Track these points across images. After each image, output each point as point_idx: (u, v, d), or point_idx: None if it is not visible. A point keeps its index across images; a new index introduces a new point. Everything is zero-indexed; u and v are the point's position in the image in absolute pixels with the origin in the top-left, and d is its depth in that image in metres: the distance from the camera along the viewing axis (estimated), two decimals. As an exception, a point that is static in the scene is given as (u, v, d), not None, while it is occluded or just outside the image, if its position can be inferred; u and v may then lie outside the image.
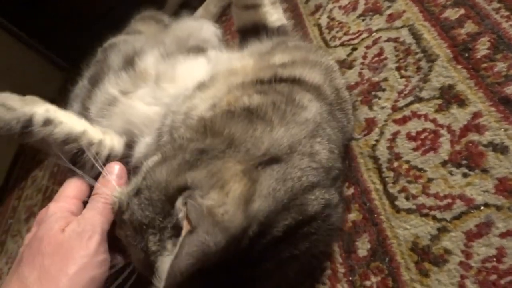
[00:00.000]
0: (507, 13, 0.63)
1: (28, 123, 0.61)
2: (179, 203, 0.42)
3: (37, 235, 0.54)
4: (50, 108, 0.65)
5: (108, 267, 0.50)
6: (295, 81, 0.59)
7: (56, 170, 1.56)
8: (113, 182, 0.55)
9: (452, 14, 0.69)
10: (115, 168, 0.58)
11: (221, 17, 1.31)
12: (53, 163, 1.63)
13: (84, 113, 0.79)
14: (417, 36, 0.71)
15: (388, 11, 0.79)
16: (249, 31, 0.78)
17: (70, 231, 0.50)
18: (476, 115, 0.57)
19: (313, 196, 0.46)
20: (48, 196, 1.48)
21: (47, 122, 0.63)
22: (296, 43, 0.75)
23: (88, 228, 0.50)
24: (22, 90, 2.09)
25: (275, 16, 0.79)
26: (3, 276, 1.37)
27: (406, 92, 0.66)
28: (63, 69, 2.24)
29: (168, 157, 0.49)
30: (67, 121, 0.64)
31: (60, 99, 2.03)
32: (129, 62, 0.80)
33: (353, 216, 0.60)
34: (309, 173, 0.47)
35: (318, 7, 0.96)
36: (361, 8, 0.85)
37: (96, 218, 0.52)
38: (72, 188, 0.61)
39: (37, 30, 2.15)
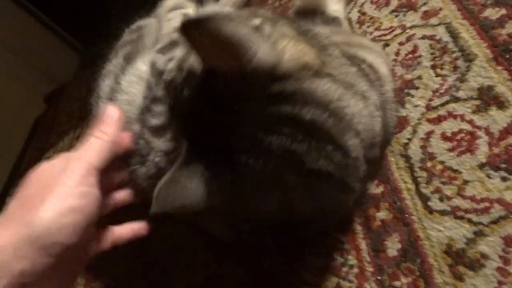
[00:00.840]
0: (552, 15, 0.61)
1: None
2: None
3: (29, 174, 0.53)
4: None
5: (95, 202, 0.49)
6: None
7: (70, 153, 1.55)
8: (114, 127, 0.55)
9: (492, 13, 0.67)
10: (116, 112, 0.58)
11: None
12: (69, 145, 1.63)
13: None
14: (454, 35, 0.69)
15: (424, 8, 0.77)
16: (305, 15, 0.77)
17: (57, 164, 0.50)
18: (517, 116, 0.55)
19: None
20: (61, 178, 1.47)
21: None
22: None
23: (74, 160, 0.49)
24: (38, 70, 2.09)
25: (336, 6, 0.80)
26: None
27: (441, 91, 0.65)
28: (78, 51, 2.24)
29: None
30: None
31: (76, 82, 2.03)
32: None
33: (382, 214, 0.59)
34: None
35: (348, 1, 0.94)
36: (394, 3, 0.84)
37: (86, 153, 0.51)
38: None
39: (54, 11, 2.15)
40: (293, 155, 0.44)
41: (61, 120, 1.88)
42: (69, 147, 1.62)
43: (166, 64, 0.72)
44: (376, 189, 0.62)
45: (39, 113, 2.19)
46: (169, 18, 0.84)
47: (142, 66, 0.79)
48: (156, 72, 0.72)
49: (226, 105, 0.46)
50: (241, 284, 0.67)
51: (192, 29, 0.42)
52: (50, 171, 0.49)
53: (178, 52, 0.73)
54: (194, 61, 0.52)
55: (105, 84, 0.86)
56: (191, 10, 0.85)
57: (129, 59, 0.85)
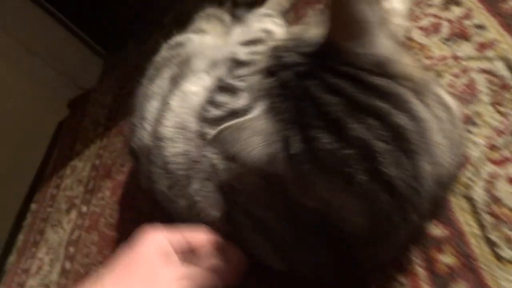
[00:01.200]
0: None
1: None
2: None
3: (130, 254, 0.54)
4: None
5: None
6: None
7: (98, 163, 1.56)
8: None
9: (557, 51, 0.66)
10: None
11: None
12: (95, 154, 1.64)
13: (163, 108, 0.80)
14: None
15: (477, 38, 0.76)
16: None
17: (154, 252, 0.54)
18: None
19: None
20: (90, 189, 1.48)
21: None
22: None
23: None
24: (62, 75, 2.10)
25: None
26: (44, 266, 1.38)
27: (503, 130, 0.64)
28: (102, 56, 2.24)
29: None
30: None
31: (100, 87, 2.03)
32: (214, 66, 0.82)
33: (447, 259, 0.58)
34: None
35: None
36: (444, 31, 0.82)
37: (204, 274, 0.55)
38: (197, 235, 0.62)
39: (78, 16, 2.15)
40: (370, 150, 0.45)
41: (86, 126, 1.89)
42: (96, 156, 1.62)
43: (248, 56, 0.76)
44: (436, 229, 0.61)
45: (61, 118, 2.20)
46: (260, 20, 0.88)
47: (192, 87, 0.79)
48: (233, 62, 0.76)
49: (322, 80, 0.48)
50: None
51: None
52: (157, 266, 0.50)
53: (263, 48, 0.75)
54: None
55: (151, 106, 0.86)
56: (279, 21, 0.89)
57: (176, 82, 0.85)
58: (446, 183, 0.54)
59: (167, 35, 1.90)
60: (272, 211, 0.62)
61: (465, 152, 0.62)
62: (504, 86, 0.68)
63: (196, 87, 0.79)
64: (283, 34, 0.85)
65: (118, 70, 2.07)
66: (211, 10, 1.30)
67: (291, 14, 1.26)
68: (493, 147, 0.63)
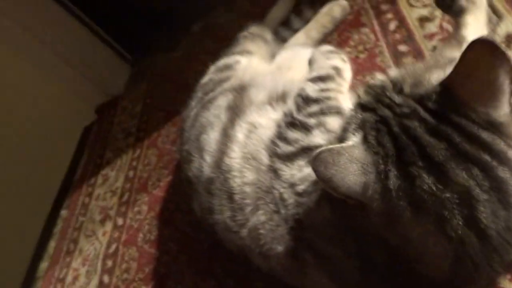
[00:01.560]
0: None
1: None
2: None
3: None
4: None
5: None
6: None
7: (132, 175, 1.58)
8: None
9: None
10: None
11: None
12: (128, 165, 1.65)
13: (225, 139, 0.81)
14: None
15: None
16: None
17: None
18: None
19: None
20: (125, 202, 1.50)
21: None
22: None
23: None
24: (90, 81, 2.11)
25: None
26: (80, 277, 1.40)
27: None
28: (130, 62, 2.25)
29: None
30: None
31: (128, 94, 2.04)
32: (279, 100, 0.83)
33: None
34: None
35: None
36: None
37: None
38: None
39: (106, 22, 2.16)
40: (471, 197, 0.47)
41: (116, 135, 1.91)
42: (129, 167, 1.64)
43: (317, 93, 0.77)
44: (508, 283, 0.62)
45: (88, 123, 2.21)
46: (328, 57, 0.89)
47: (259, 120, 0.81)
48: (302, 98, 0.77)
49: (427, 123, 0.51)
50: None
51: (483, 50, 0.47)
52: None
53: (332, 85, 0.78)
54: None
55: (209, 137, 0.87)
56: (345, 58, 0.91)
57: (235, 112, 0.86)
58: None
59: (196, 44, 1.92)
60: (340, 248, 0.63)
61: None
62: None
63: (264, 119, 0.80)
64: (349, 70, 0.86)
65: (145, 77, 2.08)
66: (254, 29, 1.31)
67: (334, 36, 1.27)
68: None
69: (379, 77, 0.60)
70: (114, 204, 1.55)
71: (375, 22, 1.20)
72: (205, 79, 1.15)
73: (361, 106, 0.58)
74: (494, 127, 0.48)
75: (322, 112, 0.73)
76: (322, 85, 0.79)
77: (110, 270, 1.32)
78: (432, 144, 0.49)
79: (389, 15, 1.18)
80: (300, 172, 0.69)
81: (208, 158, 0.84)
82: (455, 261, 0.50)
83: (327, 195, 0.60)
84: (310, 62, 0.93)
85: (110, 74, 2.18)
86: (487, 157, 0.48)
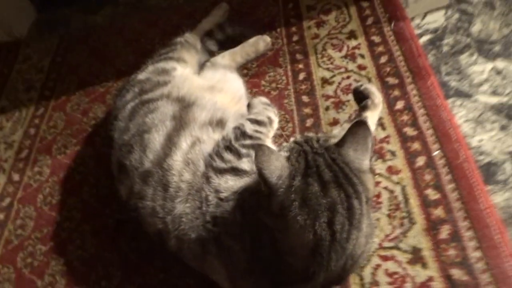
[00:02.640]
0: (463, 213, 1.01)
1: None
2: None
3: None
4: None
5: None
6: None
7: (33, 133, 1.62)
8: None
9: (431, 194, 1.05)
10: None
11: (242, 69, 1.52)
12: (29, 121, 1.67)
13: (169, 144, 1.03)
14: (406, 198, 1.06)
15: (389, 163, 1.13)
16: None
17: None
18: (430, 278, 0.93)
19: None
20: (23, 158, 1.55)
21: None
22: None
23: None
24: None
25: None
26: None
27: (390, 237, 1.01)
28: (36, 6, 2.17)
29: None
30: None
31: (32, 44, 2.00)
32: (218, 124, 1.08)
33: (340, 313, 0.93)
34: None
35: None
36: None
37: None
38: None
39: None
40: (334, 208, 0.76)
41: (16, 84, 1.88)
42: (29, 124, 1.67)
43: (253, 132, 1.05)
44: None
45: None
46: (266, 108, 1.19)
47: (202, 136, 1.05)
48: (240, 132, 1.03)
49: (325, 160, 0.80)
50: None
51: (361, 126, 0.81)
52: None
53: (264, 130, 1.08)
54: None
55: (154, 138, 1.06)
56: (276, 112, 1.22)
57: (180, 125, 1.07)
58: (359, 258, 0.88)
59: (121, 19, 1.95)
60: (238, 242, 0.88)
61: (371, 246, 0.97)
62: (398, 207, 1.05)
63: (205, 137, 1.04)
64: (277, 122, 1.15)
65: (56, 32, 2.04)
66: (190, 38, 1.50)
67: (254, 66, 1.52)
68: (382, 247, 1.00)
69: (310, 134, 0.92)
70: (9, 158, 1.58)
71: (289, 67, 1.47)
72: (142, 75, 1.30)
73: (294, 141, 0.87)
74: (360, 172, 0.79)
75: (252, 147, 0.99)
76: (257, 127, 1.06)
77: (1, 223, 1.38)
78: (326, 171, 0.78)
79: (301, 66, 1.47)
80: (226, 183, 0.93)
81: (150, 155, 1.02)
82: (312, 251, 0.77)
83: (240, 204, 0.88)
84: (250, 106, 1.20)
85: (13, 11, 2.06)
86: (350, 189, 0.77)
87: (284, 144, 0.92)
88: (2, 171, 1.54)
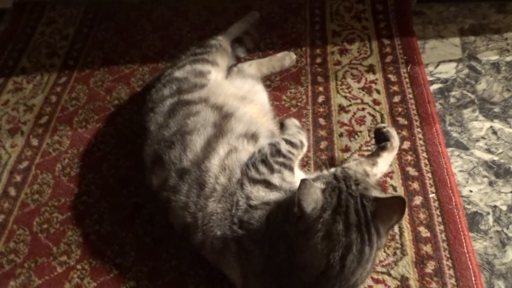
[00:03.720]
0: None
1: None
2: None
3: None
4: None
5: None
6: None
7: (55, 100, 1.67)
8: None
9: (423, 232, 1.20)
10: None
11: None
12: (50, 87, 1.72)
13: (209, 148, 1.14)
14: (401, 231, 1.21)
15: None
16: None
17: None
18: (413, 305, 1.10)
19: None
20: (43, 125, 1.61)
21: None
22: None
23: None
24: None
25: None
26: (-22, 178, 1.47)
27: (384, 263, 1.16)
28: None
29: None
30: None
31: (57, 5, 2.00)
32: (252, 137, 1.20)
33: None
34: None
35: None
36: (375, 176, 1.32)
37: None
38: None
39: None
40: (349, 248, 0.89)
41: (39, 47, 1.95)
42: (50, 90, 1.73)
43: (286, 152, 1.16)
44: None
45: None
46: (299, 132, 1.34)
47: (238, 146, 1.17)
48: (275, 149, 1.15)
49: (361, 209, 0.93)
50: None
51: (399, 202, 0.90)
52: None
53: (295, 152, 1.21)
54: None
55: (195, 140, 1.16)
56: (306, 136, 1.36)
57: (218, 132, 1.18)
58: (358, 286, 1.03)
59: (158, 5, 1.96)
60: (258, 247, 1.00)
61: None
62: (393, 238, 1.20)
63: (241, 147, 1.16)
64: (306, 147, 1.29)
65: (85, 2, 2.07)
66: (223, 42, 1.59)
67: (277, 79, 1.63)
68: (375, 271, 1.15)
69: (366, 168, 1.13)
70: (28, 121, 1.63)
71: (309, 88, 1.60)
72: (179, 73, 1.39)
73: (334, 175, 1.00)
74: (377, 235, 0.93)
75: (284, 165, 1.12)
76: (290, 148, 1.18)
77: (18, 184, 1.45)
78: (352, 214, 0.91)
79: (321, 88, 1.59)
80: (257, 193, 1.06)
81: (190, 155, 1.13)
82: (321, 274, 0.91)
83: (268, 215, 1.01)
84: (284, 126, 1.36)
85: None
86: (367, 237, 0.90)
87: (324, 173, 1.05)
88: (20, 133, 1.59)
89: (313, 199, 0.90)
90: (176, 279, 1.19)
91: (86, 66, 1.79)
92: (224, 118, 1.22)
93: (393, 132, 1.25)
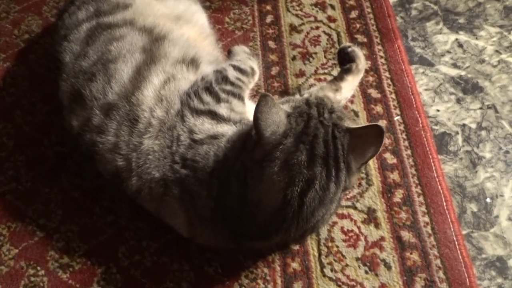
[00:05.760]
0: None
1: None
2: None
3: None
4: None
5: None
6: None
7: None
8: None
9: (389, 158, 1.09)
10: None
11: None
12: None
13: (139, 77, 0.94)
14: (365, 159, 1.08)
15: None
16: None
17: None
18: (382, 238, 0.99)
19: None
20: None
21: None
22: None
23: None
24: None
25: None
26: None
27: (348, 196, 1.04)
28: None
29: None
30: None
31: None
32: (192, 63, 1.00)
33: (295, 265, 0.96)
34: None
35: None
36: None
37: None
38: None
39: None
40: (311, 182, 0.76)
41: None
42: None
43: (234, 79, 0.97)
44: (295, 246, 0.98)
45: None
46: (250, 58, 1.12)
47: (177, 74, 0.97)
48: (222, 76, 0.96)
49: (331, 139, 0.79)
50: (183, 279, 0.95)
51: (376, 131, 0.78)
52: None
53: (245, 79, 1.02)
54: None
55: (121, 69, 0.95)
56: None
57: (150, 59, 0.97)
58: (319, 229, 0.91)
59: None
60: (206, 189, 0.84)
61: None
62: (356, 165, 1.07)
63: (180, 75, 0.96)
64: (258, 75, 1.08)
65: None
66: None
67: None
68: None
69: (328, 94, 0.98)
70: None
71: (255, 7, 1.39)
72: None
73: (306, 100, 0.85)
74: (350, 164, 0.79)
75: (232, 94, 0.94)
76: (239, 75, 0.99)
77: None
78: (320, 145, 0.77)
79: (269, 7, 1.39)
80: (202, 125, 0.88)
81: (115, 87, 0.92)
82: (277, 212, 0.78)
83: (216, 150, 0.84)
84: (232, 53, 1.16)
85: None
86: (333, 173, 0.77)
87: (296, 97, 0.89)
88: None
89: (274, 120, 0.76)
90: (114, 236, 1.02)
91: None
92: (155, 41, 1.00)
93: (358, 52, 1.09)
